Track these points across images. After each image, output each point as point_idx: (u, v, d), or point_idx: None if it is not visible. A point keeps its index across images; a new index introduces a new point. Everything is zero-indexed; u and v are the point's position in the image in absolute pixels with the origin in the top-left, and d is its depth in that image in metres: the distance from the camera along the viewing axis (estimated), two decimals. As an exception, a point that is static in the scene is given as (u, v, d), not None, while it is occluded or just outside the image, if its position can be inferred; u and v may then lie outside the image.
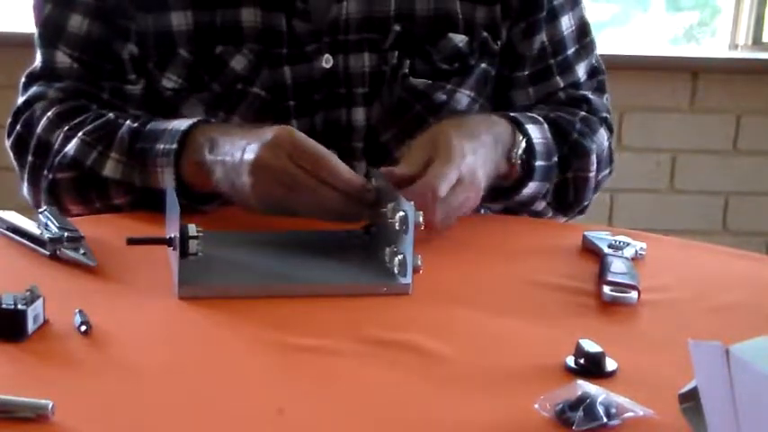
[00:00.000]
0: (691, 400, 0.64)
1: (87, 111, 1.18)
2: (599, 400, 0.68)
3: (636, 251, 1.05)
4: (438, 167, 1.02)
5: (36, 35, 1.23)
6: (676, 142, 2.75)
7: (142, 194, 1.12)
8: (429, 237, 1.00)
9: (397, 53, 1.22)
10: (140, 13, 1.19)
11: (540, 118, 1.21)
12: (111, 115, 1.17)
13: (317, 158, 1.00)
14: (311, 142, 1.02)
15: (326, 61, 1.20)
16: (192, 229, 0.89)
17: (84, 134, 1.14)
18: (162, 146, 1.10)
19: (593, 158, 1.24)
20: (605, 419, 0.67)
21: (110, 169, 1.13)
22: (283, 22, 1.19)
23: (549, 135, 1.19)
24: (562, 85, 1.29)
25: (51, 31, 1.21)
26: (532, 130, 1.17)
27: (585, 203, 1.28)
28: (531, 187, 1.18)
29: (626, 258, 1.01)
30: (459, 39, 1.23)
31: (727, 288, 0.99)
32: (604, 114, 1.30)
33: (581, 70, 1.30)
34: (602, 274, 0.96)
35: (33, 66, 1.24)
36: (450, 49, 1.23)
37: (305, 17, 1.19)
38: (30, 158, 1.18)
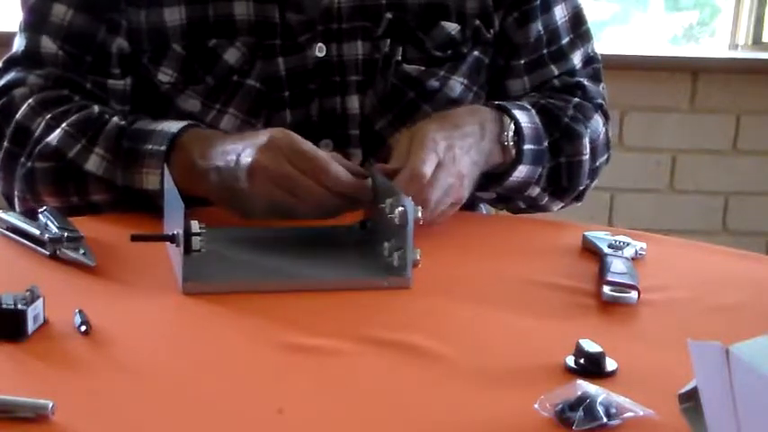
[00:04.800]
0: (691, 400, 0.64)
1: (70, 101, 1.17)
2: (599, 400, 0.68)
3: (636, 251, 1.05)
4: (414, 155, 1.03)
5: (21, 21, 1.22)
6: (676, 142, 2.75)
7: (122, 193, 1.11)
8: (427, 225, 1.00)
9: (389, 41, 1.22)
10: (132, 8, 1.19)
11: (528, 105, 1.21)
12: (96, 108, 1.16)
13: (315, 161, 1.01)
14: (308, 144, 1.02)
15: (319, 50, 1.21)
16: (195, 225, 0.90)
17: (68, 125, 1.13)
18: (150, 146, 1.09)
19: (586, 142, 1.24)
20: (605, 419, 0.67)
21: (92, 164, 1.12)
22: (276, 13, 1.19)
23: (537, 120, 1.19)
24: (557, 72, 1.29)
25: (37, 17, 1.20)
26: (519, 114, 1.17)
27: (581, 188, 1.28)
28: (521, 171, 1.18)
29: (626, 258, 1.01)
30: (452, 27, 1.24)
31: (727, 288, 0.99)
32: (599, 101, 1.31)
33: (576, 58, 1.31)
34: (602, 274, 0.96)
35: (13, 51, 1.22)
36: (443, 37, 1.24)
37: (297, 8, 1.20)
38: (6, 145, 1.17)
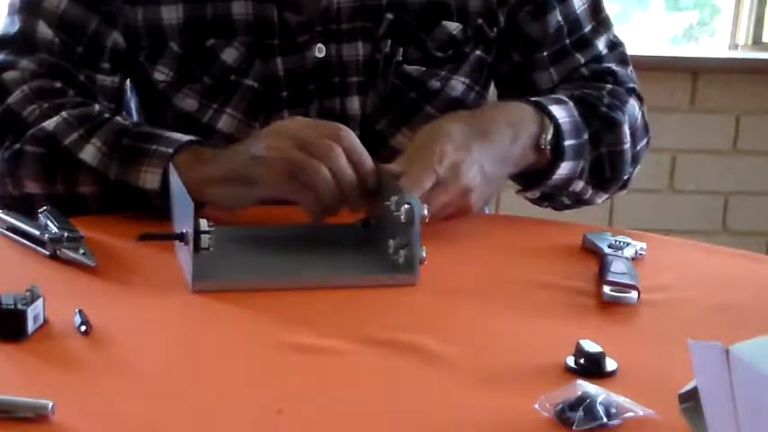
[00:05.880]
0: (691, 400, 0.64)
1: (66, 94, 1.16)
2: (599, 400, 0.68)
3: (636, 251, 1.05)
4: (411, 174, 1.02)
5: (12, 2, 1.20)
6: (676, 142, 2.75)
7: (112, 189, 1.10)
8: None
9: (390, 41, 1.22)
10: (128, 5, 1.19)
11: (565, 98, 1.20)
12: (96, 106, 1.15)
13: (334, 124, 1.03)
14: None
15: (319, 51, 1.21)
16: (204, 224, 0.90)
17: (67, 114, 1.12)
18: (155, 147, 1.08)
19: (626, 130, 1.22)
20: (605, 419, 0.67)
21: (87, 153, 1.10)
22: (275, 13, 1.19)
23: (575, 113, 1.18)
24: (583, 60, 1.28)
25: (31, 1, 1.18)
26: (557, 110, 1.16)
27: (625, 177, 1.26)
28: (563, 168, 1.16)
29: (626, 258, 1.01)
30: (454, 26, 1.23)
31: (727, 288, 0.99)
32: (631, 85, 1.29)
33: (601, 44, 1.29)
34: (602, 274, 0.96)
35: (1, 33, 1.20)
36: (445, 37, 1.23)
37: (296, 8, 1.20)
38: None
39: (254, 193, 1.04)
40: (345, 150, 1.00)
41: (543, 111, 1.15)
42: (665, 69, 2.73)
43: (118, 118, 1.14)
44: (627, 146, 1.23)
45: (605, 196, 1.28)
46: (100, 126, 1.12)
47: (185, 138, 1.10)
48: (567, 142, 1.15)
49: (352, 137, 1.02)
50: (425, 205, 0.93)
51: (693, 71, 2.72)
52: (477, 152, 1.07)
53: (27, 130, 1.12)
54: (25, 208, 1.08)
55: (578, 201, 1.26)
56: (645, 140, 1.29)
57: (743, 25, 2.85)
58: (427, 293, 0.94)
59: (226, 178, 1.04)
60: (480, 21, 1.24)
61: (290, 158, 1.00)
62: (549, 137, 1.14)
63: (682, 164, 2.77)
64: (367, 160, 1.02)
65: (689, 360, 0.58)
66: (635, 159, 1.27)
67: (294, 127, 1.03)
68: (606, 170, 1.22)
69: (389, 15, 1.21)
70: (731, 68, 2.78)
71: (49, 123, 1.12)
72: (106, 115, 1.14)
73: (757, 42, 2.85)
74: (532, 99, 1.17)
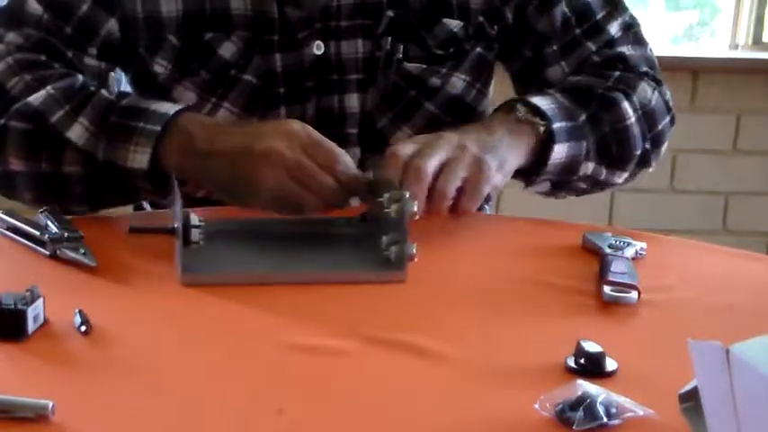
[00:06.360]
0: (691, 400, 0.64)
1: (50, 66, 1.14)
2: (599, 400, 0.68)
3: (636, 251, 1.05)
4: (420, 152, 1.03)
5: None
6: (676, 142, 2.73)
7: (99, 169, 1.08)
8: (452, 216, 1.03)
9: (390, 39, 1.22)
10: None
11: (551, 91, 1.20)
12: (79, 77, 1.14)
13: (332, 155, 1.02)
14: (324, 138, 1.03)
15: (317, 48, 1.20)
16: (194, 218, 0.90)
17: (53, 89, 1.10)
18: (142, 124, 1.07)
19: (626, 106, 1.21)
20: (605, 419, 0.67)
21: (75, 133, 1.08)
22: (275, 8, 1.19)
23: (562, 100, 1.18)
24: (594, 48, 1.27)
25: None
26: (535, 99, 1.16)
27: (637, 152, 1.24)
28: (560, 151, 1.15)
29: (626, 258, 1.01)
30: (455, 24, 1.23)
31: (727, 288, 0.99)
32: (644, 68, 1.28)
33: (613, 29, 1.28)
34: (602, 274, 0.96)
35: None
36: (445, 35, 1.23)
37: (296, 4, 1.19)
38: None
39: (246, 206, 1.05)
40: (340, 174, 1.01)
41: (518, 101, 1.16)
42: (666, 69, 2.69)
43: (103, 91, 1.12)
44: (630, 121, 1.22)
45: (624, 175, 1.26)
46: (86, 102, 1.10)
47: (172, 109, 1.08)
48: (557, 125, 1.15)
49: (346, 160, 1.03)
50: (416, 201, 0.93)
51: (693, 71, 2.72)
52: (457, 133, 1.08)
53: (12, 104, 1.11)
54: (8, 184, 1.10)
55: (596, 183, 1.25)
56: (666, 119, 1.29)
57: (743, 25, 2.85)
58: (428, 293, 0.94)
59: (217, 190, 1.06)
60: (481, 18, 1.24)
61: (282, 189, 1.01)
62: (524, 110, 1.14)
63: (682, 164, 2.77)
64: (357, 175, 1.03)
65: (689, 360, 0.58)
66: (656, 138, 1.26)
67: (290, 155, 1.01)
68: (612, 147, 1.21)
69: (390, 13, 1.21)
70: (731, 68, 2.78)
71: (35, 98, 1.10)
72: (91, 88, 1.12)
73: (757, 42, 2.85)
74: (510, 99, 1.18)
